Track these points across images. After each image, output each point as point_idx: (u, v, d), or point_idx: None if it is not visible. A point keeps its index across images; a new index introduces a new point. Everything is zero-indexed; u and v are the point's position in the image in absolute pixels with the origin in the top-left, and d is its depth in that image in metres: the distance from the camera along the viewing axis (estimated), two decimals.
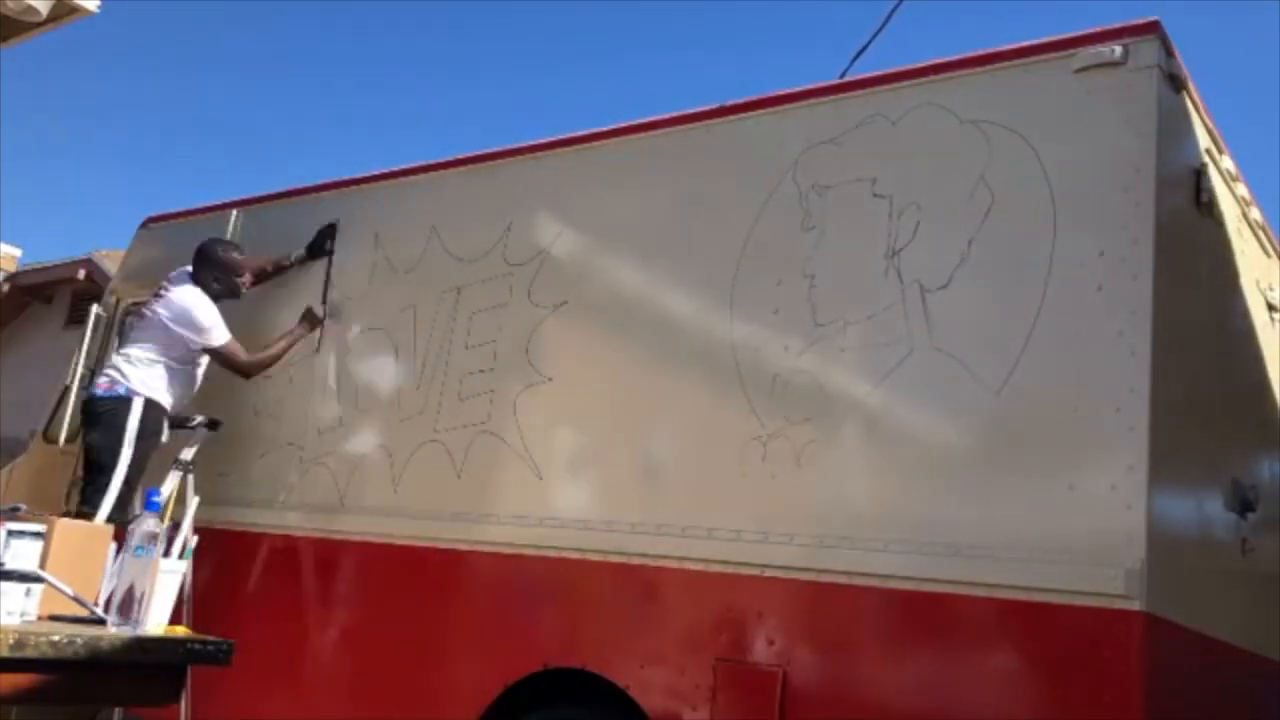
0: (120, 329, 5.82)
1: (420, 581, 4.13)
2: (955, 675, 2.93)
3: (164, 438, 4.63)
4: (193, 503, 4.08)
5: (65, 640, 2.12)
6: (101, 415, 4.49)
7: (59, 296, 15.91)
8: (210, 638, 2.40)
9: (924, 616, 2.99)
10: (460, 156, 4.71)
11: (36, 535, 2.21)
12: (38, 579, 2.20)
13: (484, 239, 4.40)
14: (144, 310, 4.76)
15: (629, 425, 3.74)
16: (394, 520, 4.25)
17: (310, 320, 4.81)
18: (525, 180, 4.39)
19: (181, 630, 2.42)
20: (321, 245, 4.96)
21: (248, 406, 4.97)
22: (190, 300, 4.66)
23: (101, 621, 2.38)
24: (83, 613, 2.40)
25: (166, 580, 2.44)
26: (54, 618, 2.37)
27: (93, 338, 5.78)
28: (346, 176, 5.15)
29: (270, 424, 4.88)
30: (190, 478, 4.52)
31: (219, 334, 4.67)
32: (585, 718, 3.60)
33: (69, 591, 2.37)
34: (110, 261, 13.09)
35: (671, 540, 3.48)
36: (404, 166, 4.92)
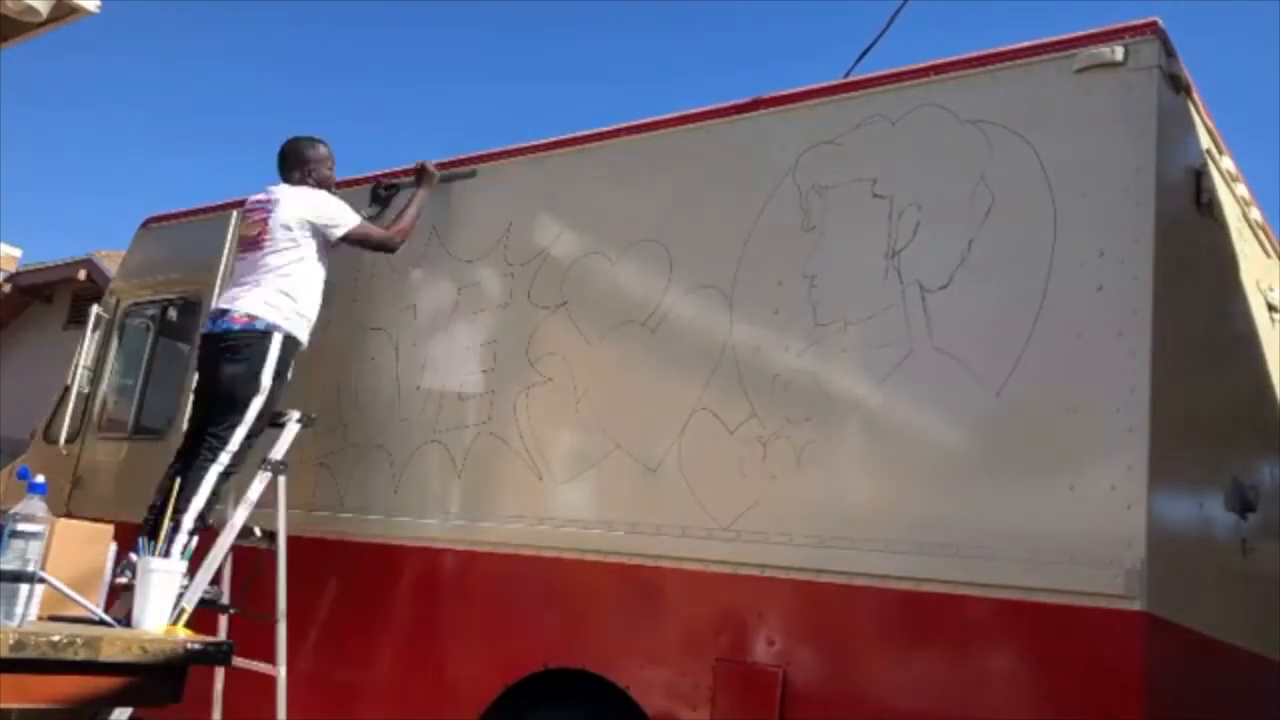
0: (121, 330, 5.83)
1: (420, 582, 4.14)
2: (955, 676, 2.93)
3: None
4: (282, 508, 4.06)
5: (65, 640, 2.12)
6: (238, 350, 4.01)
7: (59, 296, 15.91)
8: (210, 638, 2.40)
9: (924, 616, 2.99)
10: (460, 157, 4.71)
11: (37, 535, 2.21)
12: (38, 579, 2.21)
13: (484, 239, 4.40)
14: (255, 236, 4.21)
15: (629, 425, 3.74)
16: (394, 520, 4.25)
17: (426, 179, 4.54)
18: (525, 180, 4.40)
19: (182, 630, 2.42)
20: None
21: None
22: (309, 195, 4.28)
23: (102, 621, 2.38)
24: (83, 613, 2.40)
25: (165, 580, 2.44)
26: (54, 618, 2.37)
27: (92, 338, 5.79)
28: (347, 177, 5.15)
29: None
30: (283, 480, 4.11)
31: (350, 216, 4.29)
32: (585, 718, 3.60)
33: (69, 592, 2.37)
34: (110, 261, 13.10)
35: (671, 540, 3.48)
36: (404, 167, 4.92)
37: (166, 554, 2.50)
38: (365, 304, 4.74)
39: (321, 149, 4.48)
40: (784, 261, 3.53)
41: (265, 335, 4.03)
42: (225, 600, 4.12)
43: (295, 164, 4.41)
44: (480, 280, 4.36)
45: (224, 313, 4.09)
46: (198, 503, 3.80)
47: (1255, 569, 3.57)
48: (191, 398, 4.34)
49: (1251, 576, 3.57)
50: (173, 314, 5.58)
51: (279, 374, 4.05)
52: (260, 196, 4.33)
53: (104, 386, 5.76)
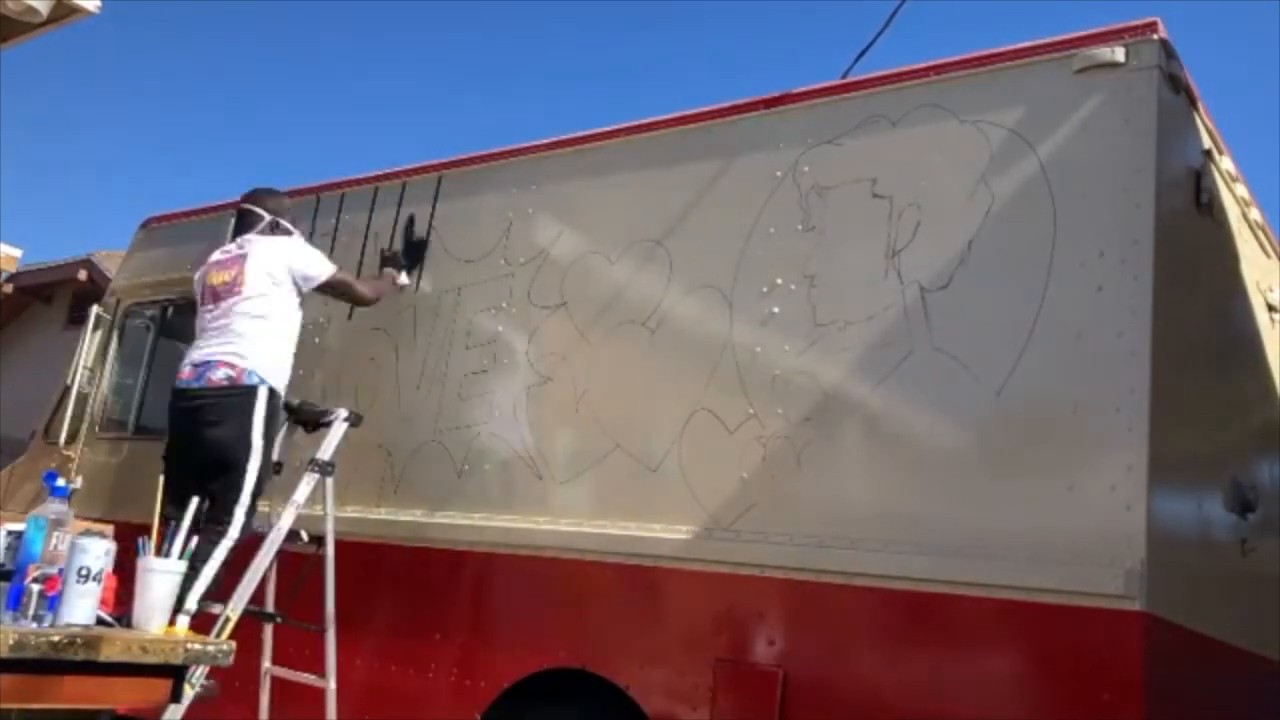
0: (121, 330, 5.83)
1: (420, 582, 4.13)
2: (955, 675, 2.93)
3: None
4: (330, 508, 3.88)
5: (65, 640, 2.12)
6: (225, 408, 3.80)
7: (59, 296, 15.90)
8: (211, 639, 2.40)
9: (924, 616, 3.00)
10: (460, 156, 4.71)
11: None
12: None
13: (484, 239, 4.40)
14: (222, 286, 4.01)
15: (629, 425, 3.74)
16: (393, 521, 4.25)
17: (396, 266, 4.54)
18: (525, 180, 4.40)
19: (182, 631, 2.42)
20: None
21: None
22: (286, 244, 4.16)
23: (101, 621, 2.38)
24: None
25: (164, 580, 2.44)
26: None
27: (92, 338, 5.78)
28: (346, 177, 5.15)
29: None
30: (330, 481, 3.95)
31: (328, 264, 4.19)
32: (585, 718, 3.60)
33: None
34: (110, 262, 13.08)
35: (671, 540, 3.49)
36: (404, 167, 4.92)
37: (167, 554, 2.50)
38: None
39: (286, 200, 4.40)
40: (784, 261, 3.53)
41: (251, 390, 3.81)
42: (270, 608, 3.95)
43: (262, 216, 4.25)
44: (480, 280, 4.36)
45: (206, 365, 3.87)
46: (205, 583, 3.54)
47: (1255, 569, 3.57)
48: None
49: (1251, 576, 3.57)
50: (172, 314, 5.58)
51: (269, 428, 3.85)
52: (229, 251, 4.17)
53: (104, 386, 5.76)
